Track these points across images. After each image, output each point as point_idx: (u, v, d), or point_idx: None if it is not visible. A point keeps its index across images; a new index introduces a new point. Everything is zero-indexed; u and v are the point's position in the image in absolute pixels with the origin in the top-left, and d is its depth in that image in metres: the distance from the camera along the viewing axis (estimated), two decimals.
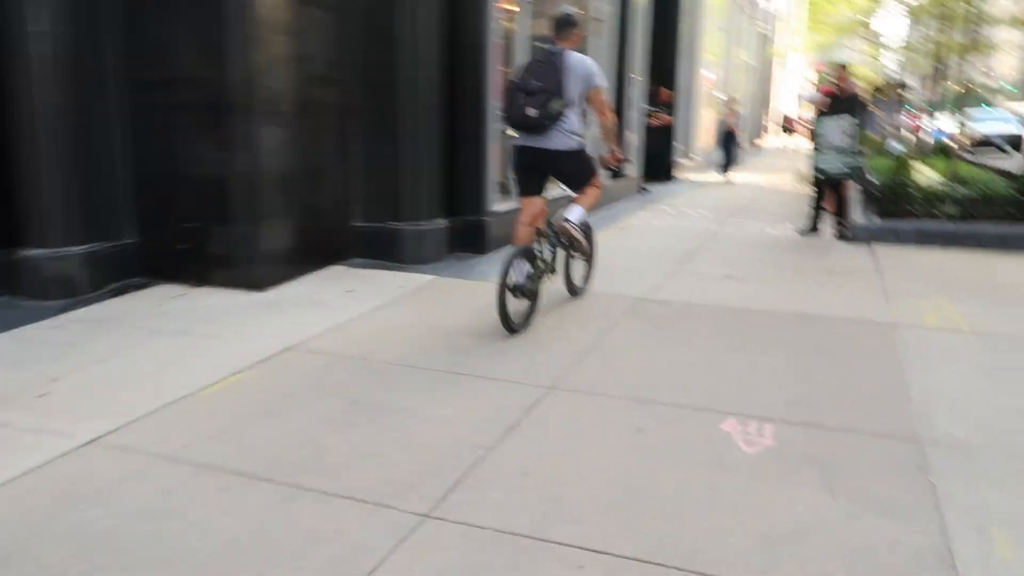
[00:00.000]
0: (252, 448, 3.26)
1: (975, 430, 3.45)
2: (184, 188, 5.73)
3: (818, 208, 8.73)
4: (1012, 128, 23.12)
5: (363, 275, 6.24)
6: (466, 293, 5.82)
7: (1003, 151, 21.29)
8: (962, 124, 13.64)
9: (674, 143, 14.87)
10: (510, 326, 4.69)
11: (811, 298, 5.75)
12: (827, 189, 8.63)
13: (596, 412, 3.65)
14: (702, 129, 17.84)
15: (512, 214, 7.36)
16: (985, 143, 22.69)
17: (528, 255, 4.84)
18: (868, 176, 9.48)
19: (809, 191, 8.96)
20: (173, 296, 5.61)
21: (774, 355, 4.45)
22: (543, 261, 5.02)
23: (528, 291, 4.82)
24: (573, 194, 5.18)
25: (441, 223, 6.69)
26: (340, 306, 5.37)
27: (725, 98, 18.15)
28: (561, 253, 5.31)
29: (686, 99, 15.86)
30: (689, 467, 3.11)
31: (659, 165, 13.96)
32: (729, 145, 15.75)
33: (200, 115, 5.61)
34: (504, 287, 4.59)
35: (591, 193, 5.10)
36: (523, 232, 5.02)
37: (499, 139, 7.22)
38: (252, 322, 4.98)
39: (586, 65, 4.83)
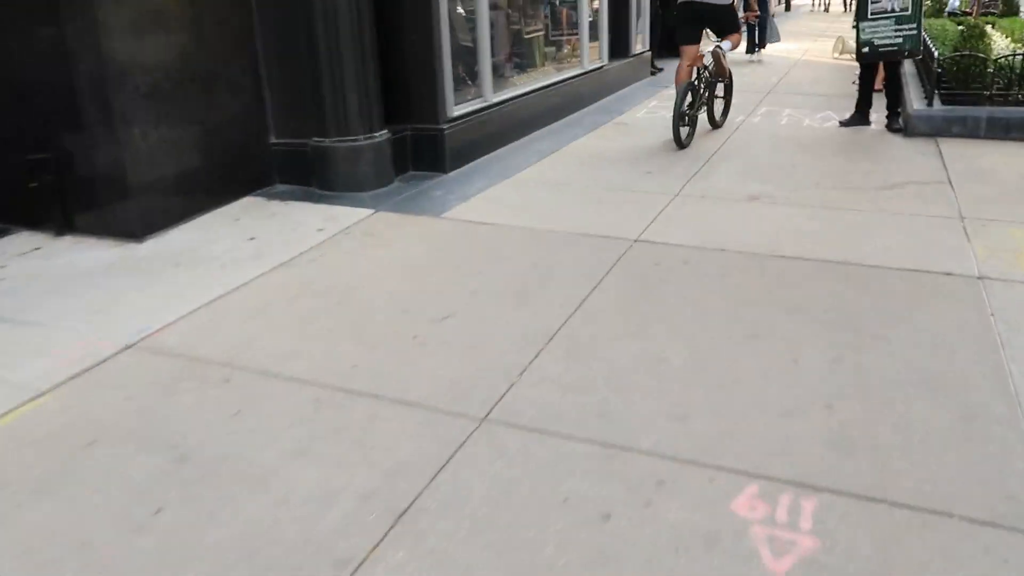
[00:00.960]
0: None
1: None
2: (22, 102, 4.32)
3: (866, 91, 7.06)
4: None
5: (278, 212, 4.86)
6: (409, 236, 4.44)
7: None
8: None
9: None
10: (681, 144, 6.15)
11: (864, 232, 4.31)
12: (878, 66, 6.96)
13: (542, 471, 2.37)
14: None
15: (478, 115, 5.89)
16: None
17: (691, 88, 6.19)
18: (929, 47, 7.70)
19: (855, 68, 7.27)
20: (23, 251, 4.31)
21: (812, 345, 3.10)
22: (699, 95, 6.36)
23: (691, 118, 6.28)
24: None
25: (382, 136, 5.22)
26: (232, 264, 4.04)
27: None
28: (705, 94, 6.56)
29: None
30: None
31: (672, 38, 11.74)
32: (760, 15, 12.38)
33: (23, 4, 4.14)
34: (677, 114, 6.00)
35: (735, 39, 6.65)
36: (685, 73, 6.33)
37: (457, 26, 5.66)
38: (100, 296, 3.69)
39: None
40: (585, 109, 7.93)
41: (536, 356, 3.05)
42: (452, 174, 5.55)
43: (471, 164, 5.77)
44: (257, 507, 2.26)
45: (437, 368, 2.98)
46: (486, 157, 5.96)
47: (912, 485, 2.27)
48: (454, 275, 3.86)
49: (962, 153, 5.92)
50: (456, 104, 5.63)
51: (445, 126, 5.48)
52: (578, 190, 5.21)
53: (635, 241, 4.24)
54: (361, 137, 5.09)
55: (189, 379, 2.96)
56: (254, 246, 4.27)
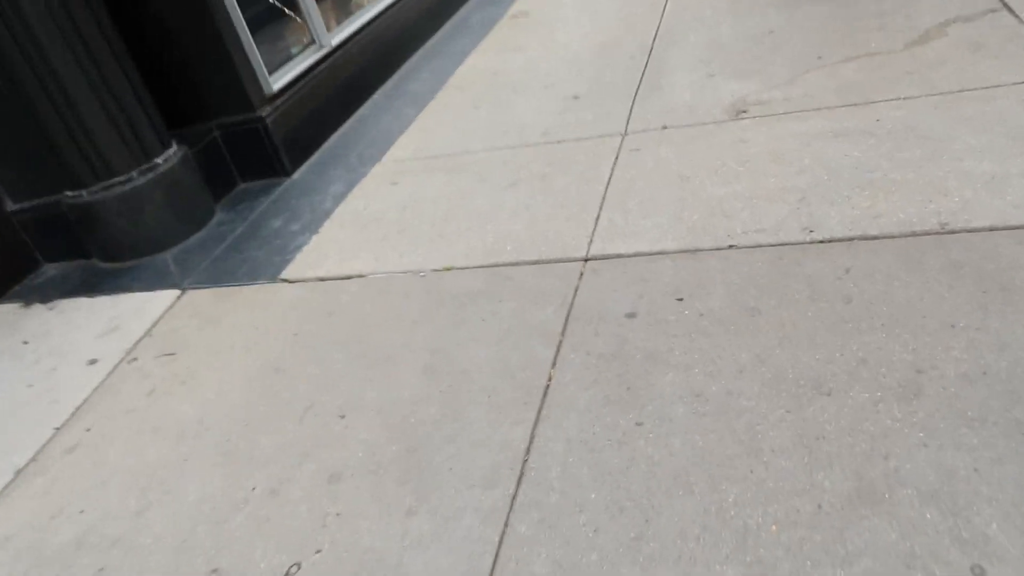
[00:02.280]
0: None
1: None
2: None
3: None
4: None
5: (35, 331, 3.13)
6: (230, 346, 2.72)
7: None
8: None
9: None
10: None
11: (933, 147, 2.69)
12: None
13: None
14: None
15: (315, 74, 4.06)
16: None
17: None
18: None
19: None
20: None
21: (974, 487, 1.57)
22: None
23: None
24: None
25: (171, 158, 3.40)
26: None
27: None
28: None
29: None
30: None
31: None
32: None
33: None
34: None
35: None
36: None
37: None
38: None
39: None
40: (471, 0, 6.00)
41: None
42: (298, 174, 3.79)
43: (323, 148, 3.98)
44: None
45: None
46: (343, 129, 4.15)
47: None
48: (300, 434, 2.23)
49: None
50: (275, 72, 3.78)
51: (266, 111, 3.65)
52: (480, 164, 3.48)
53: (585, 260, 2.60)
54: (135, 172, 3.28)
55: None
56: None
